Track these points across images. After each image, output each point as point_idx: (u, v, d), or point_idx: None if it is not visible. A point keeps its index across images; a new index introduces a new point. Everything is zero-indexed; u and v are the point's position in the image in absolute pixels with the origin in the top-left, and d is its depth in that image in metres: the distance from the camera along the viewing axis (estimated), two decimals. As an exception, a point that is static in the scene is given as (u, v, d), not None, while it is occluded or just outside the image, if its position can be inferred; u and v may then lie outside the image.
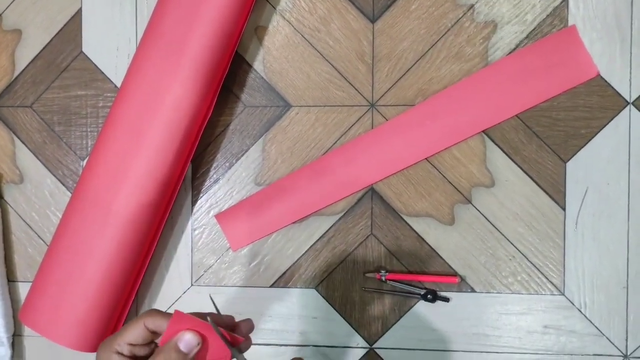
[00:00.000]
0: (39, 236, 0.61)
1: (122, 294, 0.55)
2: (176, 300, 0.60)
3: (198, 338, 0.38)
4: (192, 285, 0.60)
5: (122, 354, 0.38)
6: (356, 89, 0.58)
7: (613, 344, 0.56)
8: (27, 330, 0.61)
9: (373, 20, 0.58)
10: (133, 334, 0.38)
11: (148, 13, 0.60)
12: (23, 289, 0.61)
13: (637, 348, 0.56)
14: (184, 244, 0.60)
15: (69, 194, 0.61)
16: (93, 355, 0.58)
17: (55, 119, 0.61)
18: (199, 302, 0.60)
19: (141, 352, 0.39)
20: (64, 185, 0.61)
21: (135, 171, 0.52)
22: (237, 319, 0.40)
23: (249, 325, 0.40)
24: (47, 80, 0.61)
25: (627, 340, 0.56)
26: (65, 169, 0.61)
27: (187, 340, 0.37)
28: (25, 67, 0.61)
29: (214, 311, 0.40)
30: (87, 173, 0.54)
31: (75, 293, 0.52)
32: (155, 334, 0.38)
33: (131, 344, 0.38)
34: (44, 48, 0.61)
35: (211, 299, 0.40)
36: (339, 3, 0.58)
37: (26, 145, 0.62)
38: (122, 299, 0.56)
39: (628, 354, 0.56)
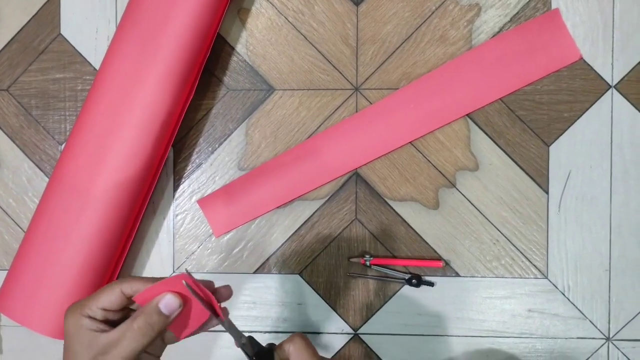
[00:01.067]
0: (15, 223, 0.60)
1: (102, 281, 0.54)
2: (158, 288, 0.59)
3: (179, 300, 0.37)
4: (174, 271, 0.59)
5: (93, 318, 0.36)
6: (340, 73, 0.58)
7: (596, 327, 0.56)
8: (4, 320, 0.60)
9: (357, 3, 0.58)
10: (108, 299, 0.37)
11: (128, -6, 0.59)
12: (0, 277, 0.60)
13: (619, 330, 0.56)
14: (166, 229, 0.59)
15: (47, 180, 0.59)
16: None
17: (33, 102, 0.60)
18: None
19: (114, 316, 0.37)
20: (41, 170, 0.60)
21: (115, 155, 0.51)
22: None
23: (228, 291, 0.40)
24: (24, 62, 0.60)
25: (609, 323, 0.56)
26: (43, 154, 0.60)
27: (168, 301, 0.36)
28: (1, 50, 0.60)
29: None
30: (65, 157, 0.52)
31: (53, 279, 0.51)
32: (130, 300, 0.37)
33: (105, 309, 0.37)
34: (20, 30, 0.60)
35: (187, 272, 0.39)
36: (322, -15, 0.58)
37: (2, 130, 0.60)
38: (101, 286, 0.54)
39: (610, 336, 0.56)
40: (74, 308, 0.37)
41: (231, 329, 0.38)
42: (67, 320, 0.37)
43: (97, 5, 0.59)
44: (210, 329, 0.39)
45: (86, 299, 0.37)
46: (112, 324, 0.37)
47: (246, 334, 0.39)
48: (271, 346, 0.39)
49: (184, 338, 0.39)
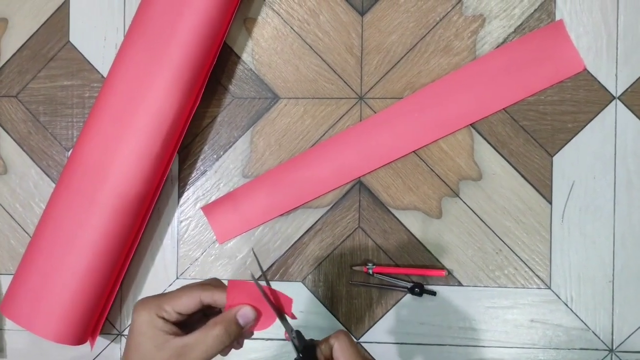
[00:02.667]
0: (22, 228, 0.61)
1: (106, 286, 0.55)
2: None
3: (255, 313, 0.39)
4: (177, 278, 0.59)
5: (167, 320, 0.37)
6: (345, 82, 0.58)
7: (599, 338, 0.56)
8: (8, 324, 0.60)
9: (362, 13, 0.58)
10: (186, 304, 0.38)
11: (136, 3, 0.59)
12: (5, 282, 0.60)
13: (622, 342, 0.56)
14: (170, 236, 0.59)
15: (54, 186, 0.60)
16: (75, 348, 0.57)
17: (41, 109, 0.61)
18: (184, 295, 0.59)
19: (186, 319, 0.39)
20: (48, 176, 0.60)
21: (121, 161, 0.52)
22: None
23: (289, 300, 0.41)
24: (33, 70, 0.61)
25: (612, 334, 0.56)
26: (50, 160, 0.60)
27: (246, 313, 0.38)
28: (11, 57, 0.61)
29: (257, 266, 0.41)
30: (72, 163, 0.53)
31: (58, 285, 0.52)
32: (204, 307, 0.39)
33: (180, 313, 0.38)
34: (30, 37, 0.61)
35: (253, 252, 0.42)
36: (328, -5, 0.58)
37: (11, 136, 0.61)
38: (106, 291, 0.55)
39: (614, 348, 0.56)
40: (149, 306, 0.38)
41: (286, 323, 0.40)
42: (139, 317, 0.37)
43: (106, 13, 0.60)
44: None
45: (163, 299, 0.38)
46: (179, 325, 0.38)
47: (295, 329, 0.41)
48: (313, 342, 0.41)
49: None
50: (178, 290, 0.39)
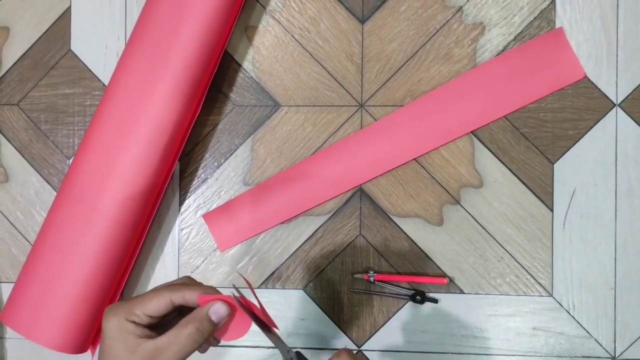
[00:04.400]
0: (23, 236, 0.61)
1: (107, 294, 0.55)
2: (162, 301, 0.59)
3: (228, 309, 0.38)
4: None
5: (137, 324, 0.37)
6: (345, 89, 0.58)
7: (601, 346, 0.56)
8: (9, 332, 0.60)
9: (362, 21, 0.58)
10: (156, 306, 0.37)
11: (137, 11, 0.60)
12: (6, 290, 0.60)
13: (625, 350, 0.55)
14: (171, 244, 0.59)
15: (55, 193, 0.60)
16: (76, 356, 0.57)
17: (42, 117, 0.61)
18: (185, 303, 0.59)
19: (156, 321, 0.38)
20: (49, 184, 0.60)
21: (122, 169, 0.52)
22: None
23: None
24: (34, 78, 0.61)
25: (615, 342, 0.56)
26: (51, 168, 0.60)
27: (218, 310, 0.37)
28: (13, 65, 0.61)
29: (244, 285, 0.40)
30: (73, 171, 0.53)
31: (59, 293, 0.52)
32: (175, 307, 0.38)
33: (151, 316, 0.37)
34: (32, 46, 0.61)
35: (234, 286, 0.41)
36: (328, 3, 0.58)
37: (12, 144, 0.61)
38: (106, 300, 0.55)
39: (616, 355, 0.56)
40: (118, 311, 0.37)
41: (279, 342, 0.39)
42: (108, 323, 0.37)
43: (107, 22, 0.60)
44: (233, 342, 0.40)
45: (132, 303, 0.37)
46: (151, 327, 0.38)
47: (294, 349, 0.40)
48: (300, 356, 0.40)
49: (226, 341, 0.41)
50: (148, 292, 0.38)
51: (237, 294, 0.39)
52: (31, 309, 0.52)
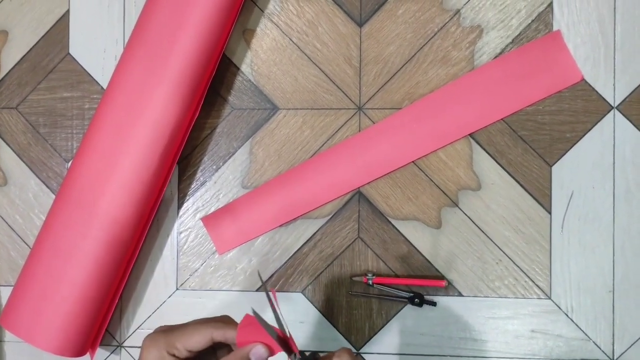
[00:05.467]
0: (22, 239, 0.61)
1: (106, 298, 0.55)
2: (161, 305, 0.59)
3: (267, 352, 0.38)
4: (177, 289, 0.59)
5: (176, 357, 0.37)
6: (343, 92, 0.58)
7: (600, 348, 0.56)
8: (7, 335, 0.60)
9: (360, 24, 0.58)
10: (198, 342, 0.37)
11: (136, 15, 0.60)
12: (5, 293, 0.60)
13: (623, 352, 0.55)
14: (170, 247, 0.59)
15: (54, 197, 0.60)
16: (75, 360, 0.57)
17: (41, 120, 0.61)
18: (183, 306, 0.59)
19: (194, 355, 0.38)
20: (48, 187, 0.60)
21: (120, 173, 0.52)
22: None
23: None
24: (33, 81, 0.61)
25: (613, 344, 0.56)
26: (50, 171, 0.61)
27: (259, 353, 0.38)
28: (11, 69, 0.61)
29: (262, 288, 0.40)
30: (72, 174, 0.53)
31: (58, 296, 0.52)
32: (214, 343, 0.38)
33: (190, 350, 0.37)
34: (30, 49, 0.61)
35: (259, 275, 0.42)
36: (326, 7, 0.59)
37: (10, 147, 0.61)
38: (105, 303, 0.55)
39: (615, 358, 0.56)
40: (159, 342, 0.37)
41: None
42: (150, 354, 0.37)
43: (105, 25, 0.60)
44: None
45: (173, 335, 0.37)
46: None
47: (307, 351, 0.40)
48: (315, 355, 0.40)
49: None
50: (189, 325, 0.38)
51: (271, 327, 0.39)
52: (30, 312, 0.52)
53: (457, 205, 0.57)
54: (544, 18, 0.57)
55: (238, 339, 0.38)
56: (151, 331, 0.39)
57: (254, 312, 0.39)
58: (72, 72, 0.61)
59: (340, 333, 0.57)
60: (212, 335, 0.38)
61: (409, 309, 0.57)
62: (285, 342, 0.39)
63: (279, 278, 0.58)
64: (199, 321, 0.39)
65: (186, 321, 0.40)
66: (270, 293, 0.39)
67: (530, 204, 0.57)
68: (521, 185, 0.57)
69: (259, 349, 0.38)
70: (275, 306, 0.39)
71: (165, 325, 0.39)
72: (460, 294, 0.57)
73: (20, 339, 0.52)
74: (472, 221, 0.57)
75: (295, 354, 0.39)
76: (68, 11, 0.61)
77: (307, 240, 0.58)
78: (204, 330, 0.38)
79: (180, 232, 0.59)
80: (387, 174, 0.57)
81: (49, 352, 0.52)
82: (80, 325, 0.53)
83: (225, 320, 0.40)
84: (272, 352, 0.39)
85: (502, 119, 0.57)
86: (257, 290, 0.59)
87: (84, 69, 0.60)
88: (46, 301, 0.52)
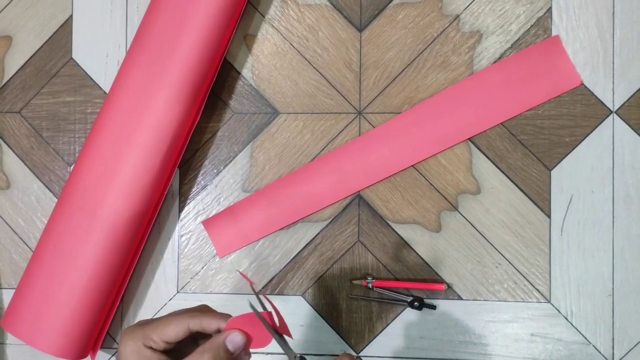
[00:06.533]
0: (24, 242, 0.61)
1: (107, 301, 0.55)
2: (162, 308, 0.59)
3: (244, 338, 0.38)
4: (178, 292, 0.59)
5: (154, 349, 0.37)
6: (344, 97, 0.59)
7: (600, 352, 0.56)
8: (10, 338, 0.60)
9: (360, 29, 0.59)
10: (174, 333, 0.37)
11: (138, 20, 0.60)
12: (7, 296, 0.61)
13: (623, 356, 0.55)
14: (171, 250, 0.60)
15: (56, 200, 0.60)
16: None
17: (44, 124, 0.61)
18: (184, 309, 0.59)
19: (173, 346, 0.38)
20: (50, 191, 0.61)
21: (122, 176, 0.52)
22: None
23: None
24: (36, 86, 0.61)
25: (613, 348, 0.56)
26: (52, 175, 0.61)
27: (234, 339, 0.37)
28: (15, 73, 0.62)
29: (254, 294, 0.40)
30: (74, 178, 0.54)
31: (59, 299, 0.52)
32: (192, 333, 0.38)
33: (167, 342, 0.37)
34: (34, 54, 0.62)
35: (252, 287, 0.41)
36: (327, 12, 0.59)
37: (13, 151, 0.61)
38: (107, 306, 0.55)
39: (615, 362, 0.56)
40: (135, 335, 0.37)
41: (287, 347, 0.40)
42: (126, 347, 0.37)
43: (108, 30, 0.61)
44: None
45: (150, 328, 0.37)
46: (165, 352, 0.38)
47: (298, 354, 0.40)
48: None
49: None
50: (165, 317, 0.38)
51: (258, 304, 0.39)
52: (32, 315, 0.52)
53: (456, 209, 0.57)
54: (543, 23, 0.57)
55: (227, 329, 0.38)
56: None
57: (250, 304, 0.39)
58: (75, 77, 0.61)
59: (340, 336, 0.58)
60: (188, 326, 0.37)
61: (408, 313, 0.57)
62: (276, 330, 0.39)
63: (279, 281, 0.59)
64: (176, 312, 0.39)
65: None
66: (263, 298, 0.39)
67: (529, 208, 0.57)
68: (520, 190, 0.57)
69: (235, 336, 0.37)
70: (266, 306, 0.39)
71: (145, 319, 0.39)
72: (459, 298, 0.57)
73: (22, 341, 0.52)
74: (472, 225, 0.57)
75: (297, 355, 0.39)
76: (71, 16, 0.61)
77: (307, 244, 0.58)
78: (180, 321, 0.37)
79: (181, 236, 0.60)
80: (387, 177, 0.58)
81: (50, 354, 0.52)
82: (82, 328, 0.53)
83: (202, 310, 0.39)
84: (249, 339, 0.38)
85: (501, 124, 0.57)
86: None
87: (87, 74, 0.61)
88: (48, 304, 0.52)
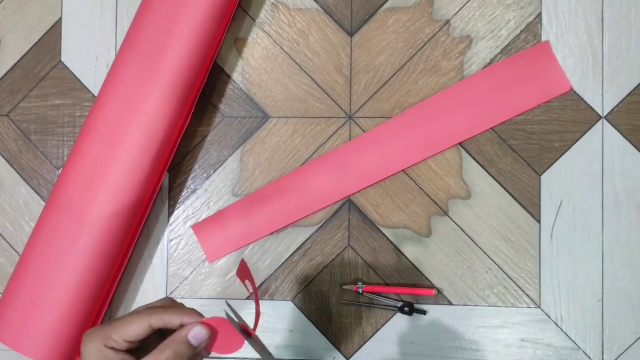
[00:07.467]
0: (11, 247, 0.60)
1: (95, 305, 0.54)
2: (150, 313, 0.59)
3: (208, 331, 0.37)
4: (167, 296, 0.59)
5: (116, 349, 0.36)
6: (334, 101, 0.59)
7: (589, 357, 0.56)
8: (-4, 343, 0.60)
9: (351, 33, 0.59)
10: (135, 332, 0.36)
11: (128, 23, 0.60)
12: (-7, 301, 0.60)
13: (613, 361, 0.56)
14: (160, 254, 0.59)
15: (44, 204, 0.60)
16: (63, 368, 0.57)
17: (32, 128, 0.61)
18: (173, 314, 0.59)
19: (137, 344, 0.37)
20: (38, 195, 0.60)
21: (111, 180, 0.52)
22: None
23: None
24: (24, 89, 0.61)
25: (602, 353, 0.56)
26: (40, 179, 0.61)
27: (197, 333, 0.36)
28: (3, 76, 0.61)
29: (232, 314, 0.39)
30: (62, 181, 0.53)
31: (46, 304, 0.51)
32: (155, 330, 0.37)
33: (129, 341, 0.36)
34: (22, 57, 0.61)
35: (228, 304, 0.40)
36: (317, 16, 0.59)
37: (1, 154, 0.61)
38: (94, 310, 0.55)
39: (604, 367, 0.56)
40: (96, 336, 0.36)
41: (265, 354, 0.39)
42: (87, 349, 0.36)
43: (97, 33, 0.60)
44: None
45: (109, 328, 0.36)
46: (132, 351, 0.37)
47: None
48: None
49: (219, 354, 0.40)
50: (127, 316, 0.37)
51: (230, 312, 0.38)
52: (18, 320, 0.52)
53: (447, 214, 0.57)
54: (533, 29, 0.57)
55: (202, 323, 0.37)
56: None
57: (228, 305, 0.38)
58: (63, 80, 0.61)
59: (330, 342, 0.57)
60: (149, 323, 0.36)
61: (398, 318, 0.57)
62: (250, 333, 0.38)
63: (269, 286, 0.58)
64: (138, 310, 0.38)
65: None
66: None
67: (519, 212, 0.57)
68: (510, 194, 0.57)
69: (198, 330, 0.36)
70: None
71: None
72: (449, 303, 0.57)
73: (8, 347, 0.52)
74: (462, 230, 0.57)
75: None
76: (60, 19, 0.61)
77: (297, 249, 0.58)
78: (140, 319, 0.36)
79: (171, 240, 0.59)
80: (377, 182, 0.58)
81: (36, 360, 0.51)
82: (69, 333, 0.52)
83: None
84: (214, 332, 0.37)
85: (491, 128, 0.57)
86: (247, 298, 0.59)
87: (76, 77, 0.61)
88: (34, 309, 0.51)
